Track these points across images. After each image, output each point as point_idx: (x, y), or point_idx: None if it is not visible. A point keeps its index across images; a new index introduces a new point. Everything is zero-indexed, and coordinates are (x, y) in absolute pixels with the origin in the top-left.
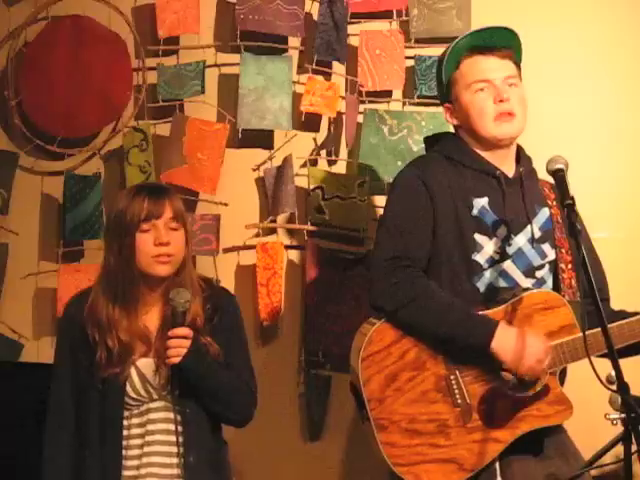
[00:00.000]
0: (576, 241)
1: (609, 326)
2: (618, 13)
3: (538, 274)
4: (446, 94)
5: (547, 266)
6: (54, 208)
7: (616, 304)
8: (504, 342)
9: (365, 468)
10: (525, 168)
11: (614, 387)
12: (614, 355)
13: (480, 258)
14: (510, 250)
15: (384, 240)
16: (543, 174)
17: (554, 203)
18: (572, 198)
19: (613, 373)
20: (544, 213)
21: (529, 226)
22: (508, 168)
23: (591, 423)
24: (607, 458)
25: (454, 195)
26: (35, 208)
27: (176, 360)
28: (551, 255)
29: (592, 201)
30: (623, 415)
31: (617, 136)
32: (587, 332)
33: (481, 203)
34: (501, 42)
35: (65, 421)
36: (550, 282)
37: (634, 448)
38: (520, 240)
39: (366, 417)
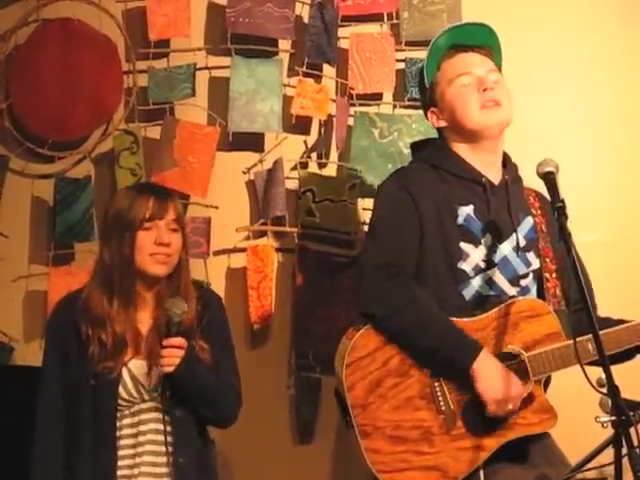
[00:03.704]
0: (566, 244)
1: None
2: (608, 16)
3: (522, 282)
4: (430, 98)
5: (531, 275)
6: (45, 211)
7: (605, 307)
8: (484, 369)
9: (356, 470)
10: (511, 175)
11: (604, 390)
12: (604, 358)
13: (466, 266)
14: (496, 258)
15: (372, 248)
16: (528, 181)
17: (538, 212)
18: (562, 201)
19: (603, 376)
20: (528, 222)
21: (514, 234)
22: (494, 175)
23: (581, 426)
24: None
25: (439, 204)
26: (25, 211)
27: (169, 369)
28: (535, 264)
29: (582, 204)
30: (613, 418)
31: (607, 139)
32: (578, 339)
33: (466, 211)
34: (480, 42)
35: (54, 422)
36: (534, 291)
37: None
38: (505, 248)
39: (350, 423)
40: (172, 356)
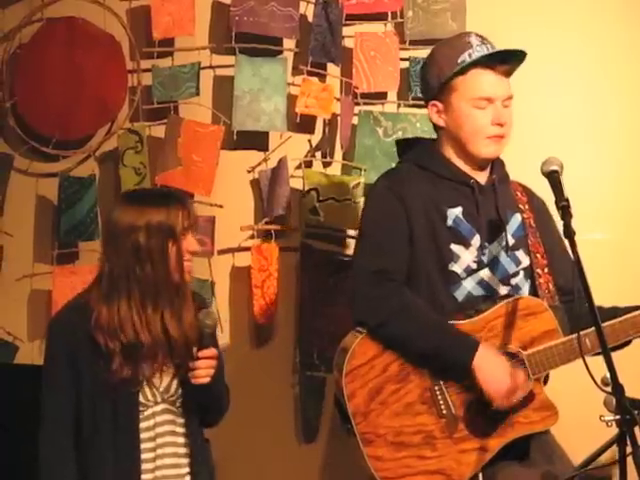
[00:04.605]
0: (571, 242)
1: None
2: (611, 15)
3: (513, 281)
4: (439, 93)
5: (522, 273)
6: (49, 210)
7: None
8: (485, 364)
9: (359, 470)
10: (498, 174)
11: (609, 389)
12: (609, 357)
13: (457, 268)
14: (486, 259)
15: (364, 255)
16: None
17: (526, 207)
18: (567, 200)
19: (608, 375)
20: (516, 219)
21: (503, 234)
22: (482, 175)
23: (585, 425)
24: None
25: (428, 207)
26: (30, 210)
27: (205, 380)
28: (525, 262)
29: (586, 202)
30: (618, 417)
31: (611, 138)
32: (578, 334)
33: (455, 213)
34: (510, 57)
35: (64, 428)
36: (526, 289)
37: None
38: (495, 248)
39: (351, 431)
40: (208, 367)
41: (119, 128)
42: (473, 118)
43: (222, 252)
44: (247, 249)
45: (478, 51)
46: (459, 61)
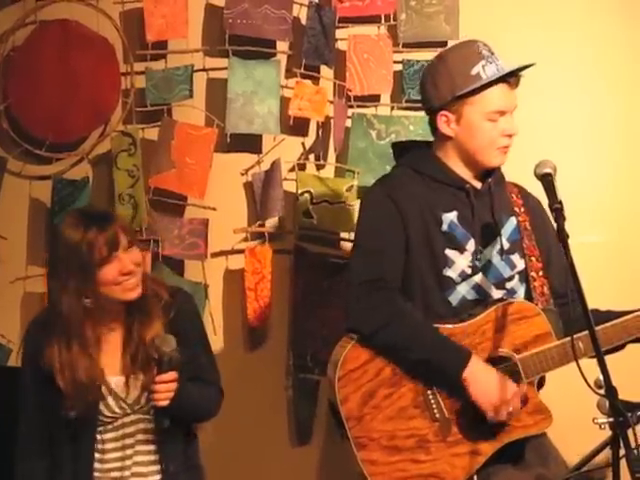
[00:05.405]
0: (564, 245)
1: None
2: (607, 16)
3: (508, 285)
4: (450, 103)
5: (517, 276)
6: (42, 212)
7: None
8: (475, 377)
9: (355, 474)
10: (494, 177)
11: (602, 391)
12: (602, 359)
13: (452, 273)
14: (480, 263)
15: (358, 262)
16: (511, 178)
17: (522, 210)
18: (560, 202)
19: (601, 377)
20: (512, 223)
21: (498, 238)
22: (478, 180)
23: (579, 427)
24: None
25: (423, 211)
26: (23, 212)
27: (165, 403)
28: (520, 265)
29: (581, 205)
30: (611, 419)
31: (608, 140)
32: (572, 337)
33: (450, 218)
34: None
35: (37, 428)
36: (521, 292)
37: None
38: (490, 253)
39: (345, 436)
40: (167, 391)
41: (112, 131)
42: (485, 131)
43: (215, 255)
44: (241, 252)
45: (491, 62)
46: (473, 73)
